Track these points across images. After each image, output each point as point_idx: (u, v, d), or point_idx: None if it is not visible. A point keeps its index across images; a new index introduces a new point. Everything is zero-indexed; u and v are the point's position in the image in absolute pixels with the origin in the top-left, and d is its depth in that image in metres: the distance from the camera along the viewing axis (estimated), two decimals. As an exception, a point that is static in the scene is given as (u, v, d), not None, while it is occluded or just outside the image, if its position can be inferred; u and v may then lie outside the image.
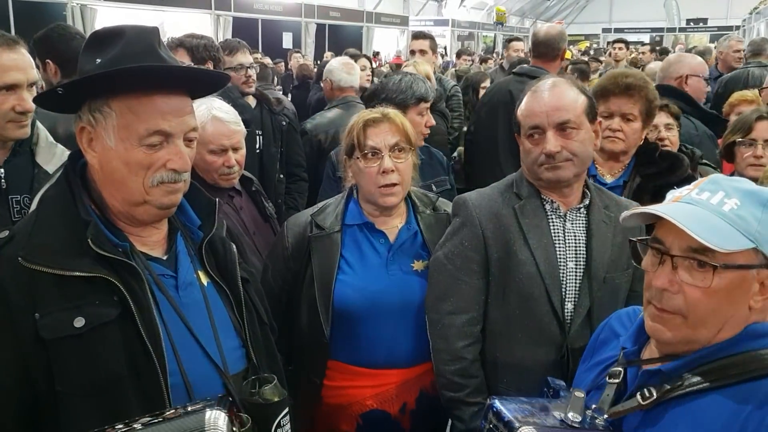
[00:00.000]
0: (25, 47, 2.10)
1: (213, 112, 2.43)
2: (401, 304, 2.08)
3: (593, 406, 1.31)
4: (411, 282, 2.11)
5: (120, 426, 1.17)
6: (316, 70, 8.53)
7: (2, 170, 2.07)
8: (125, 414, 1.28)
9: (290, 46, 18.12)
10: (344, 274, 2.10)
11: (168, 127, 1.36)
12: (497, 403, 1.34)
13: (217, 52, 3.69)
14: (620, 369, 1.34)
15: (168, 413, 1.21)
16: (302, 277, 2.15)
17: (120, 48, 1.36)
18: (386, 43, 24.43)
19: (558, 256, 1.92)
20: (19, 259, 1.29)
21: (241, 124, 2.54)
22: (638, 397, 1.25)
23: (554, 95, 1.93)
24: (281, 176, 3.97)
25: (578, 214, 1.99)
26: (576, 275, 1.94)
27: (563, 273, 1.92)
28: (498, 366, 1.97)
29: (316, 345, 2.10)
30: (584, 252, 1.95)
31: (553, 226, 1.95)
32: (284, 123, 4.03)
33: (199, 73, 1.52)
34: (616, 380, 1.32)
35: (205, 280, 1.52)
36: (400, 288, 2.09)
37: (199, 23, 15.75)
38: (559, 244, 1.94)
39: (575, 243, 1.96)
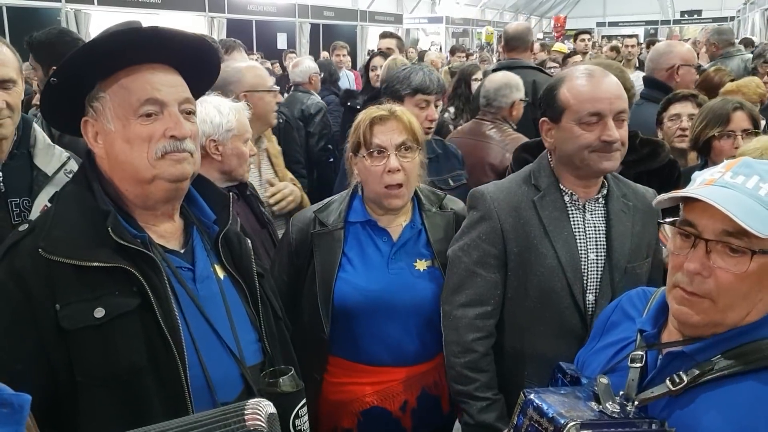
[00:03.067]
0: (3, 44, 2.04)
1: (235, 105, 2.43)
2: (403, 303, 2.06)
3: (621, 392, 1.29)
4: (413, 281, 2.09)
5: None
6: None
7: (0, 173, 2.04)
8: (145, 403, 1.30)
9: (285, 47, 18.08)
10: (345, 272, 2.08)
11: (159, 95, 1.39)
12: (536, 398, 1.27)
13: None
14: (641, 353, 1.32)
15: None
16: (305, 273, 2.14)
17: (100, 35, 1.45)
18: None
19: (579, 248, 1.91)
20: (40, 250, 1.31)
21: None
22: (668, 382, 1.23)
23: (613, 83, 1.89)
24: (280, 173, 3.95)
25: (597, 205, 1.97)
26: (597, 266, 1.93)
27: (584, 265, 1.91)
28: (520, 359, 1.96)
29: (317, 341, 2.09)
30: (605, 242, 1.93)
31: (573, 217, 1.93)
32: (281, 120, 4.02)
33: (174, 36, 1.45)
34: (639, 364, 1.30)
35: (221, 274, 1.54)
36: (402, 287, 2.07)
37: (193, 26, 15.74)
38: (579, 235, 1.92)
39: (595, 234, 1.94)
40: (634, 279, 1.95)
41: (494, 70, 4.75)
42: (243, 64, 3.17)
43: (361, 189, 2.18)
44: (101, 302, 1.29)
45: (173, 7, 15.62)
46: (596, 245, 1.94)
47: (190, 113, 1.45)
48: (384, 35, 5.85)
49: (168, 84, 1.41)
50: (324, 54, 12.92)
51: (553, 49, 10.22)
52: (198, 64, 1.52)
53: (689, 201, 1.23)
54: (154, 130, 1.38)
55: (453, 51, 10.84)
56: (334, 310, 2.07)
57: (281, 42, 19.50)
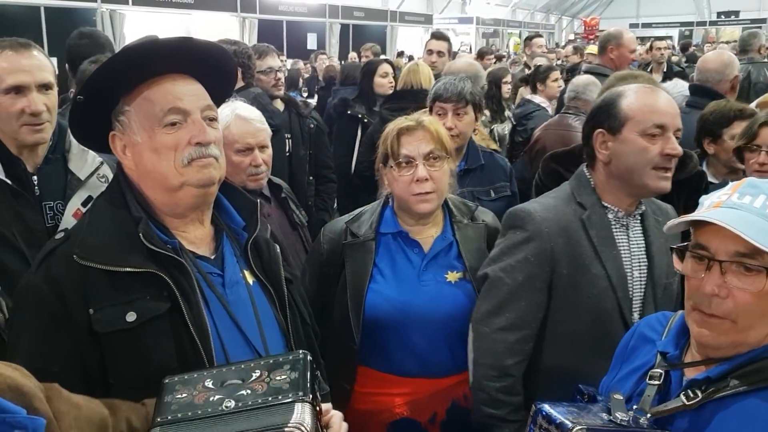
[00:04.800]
0: (38, 50, 2.10)
1: (236, 112, 2.42)
2: (434, 315, 2.04)
3: (634, 406, 1.31)
4: (444, 293, 2.07)
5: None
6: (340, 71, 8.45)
7: (35, 177, 2.09)
8: None
9: (315, 47, 18.20)
10: (376, 282, 2.08)
11: (181, 104, 1.41)
12: (546, 407, 1.32)
13: (248, 59, 3.75)
14: (660, 371, 1.33)
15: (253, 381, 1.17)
16: (336, 283, 2.14)
17: (120, 51, 1.48)
18: (410, 42, 24.39)
19: (625, 267, 1.88)
20: (74, 256, 1.34)
21: (266, 123, 2.53)
22: (682, 396, 1.24)
23: (672, 100, 1.87)
24: (311, 178, 4.00)
25: (635, 222, 1.94)
26: (641, 284, 1.90)
27: (630, 283, 1.88)
28: (566, 380, 1.85)
29: (346, 351, 2.09)
30: (645, 259, 1.91)
31: (618, 235, 1.90)
32: (312, 126, 4.05)
33: (192, 46, 1.49)
34: (657, 382, 1.31)
35: (250, 280, 1.55)
36: (433, 299, 2.05)
37: (226, 26, 15.93)
38: (624, 254, 1.89)
39: (638, 251, 1.91)
40: (671, 295, 1.93)
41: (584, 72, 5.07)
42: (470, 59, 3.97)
43: (392, 200, 2.18)
44: (133, 306, 1.32)
45: (205, 7, 15.83)
46: (639, 263, 1.91)
47: (213, 120, 1.48)
48: (437, 36, 5.52)
49: (189, 93, 1.44)
50: (352, 55, 12.95)
51: (587, 51, 10.02)
52: (216, 72, 1.55)
53: (700, 224, 1.24)
54: (180, 138, 1.40)
55: (482, 55, 10.46)
56: (365, 321, 2.05)
57: (311, 42, 19.64)
